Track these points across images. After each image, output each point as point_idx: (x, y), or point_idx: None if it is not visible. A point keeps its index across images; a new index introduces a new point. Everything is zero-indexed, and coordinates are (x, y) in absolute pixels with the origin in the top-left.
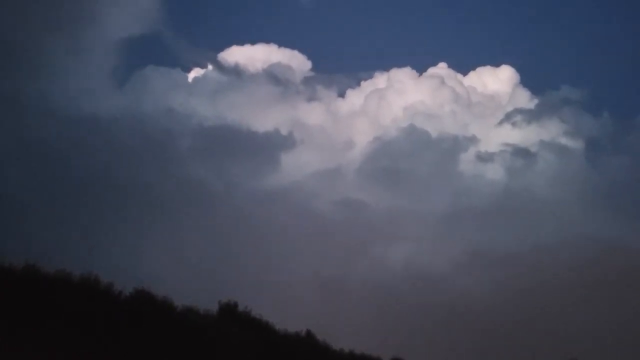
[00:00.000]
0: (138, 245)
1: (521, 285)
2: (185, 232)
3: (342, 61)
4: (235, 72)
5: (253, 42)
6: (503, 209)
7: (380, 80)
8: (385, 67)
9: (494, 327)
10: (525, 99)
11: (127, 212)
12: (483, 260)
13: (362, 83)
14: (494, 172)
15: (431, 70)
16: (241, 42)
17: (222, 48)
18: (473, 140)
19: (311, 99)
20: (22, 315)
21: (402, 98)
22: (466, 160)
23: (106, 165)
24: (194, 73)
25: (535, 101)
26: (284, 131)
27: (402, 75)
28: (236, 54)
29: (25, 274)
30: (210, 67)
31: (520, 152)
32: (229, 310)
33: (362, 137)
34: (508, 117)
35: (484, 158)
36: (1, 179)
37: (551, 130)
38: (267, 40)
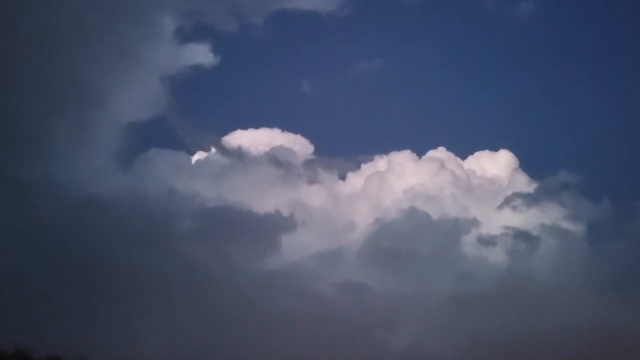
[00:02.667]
0: (135, 328)
1: None
2: (183, 314)
3: (343, 145)
4: (238, 155)
5: (256, 126)
6: (506, 293)
7: (380, 163)
8: (385, 150)
9: None
10: (524, 183)
11: (126, 294)
12: (486, 346)
13: (363, 166)
14: (496, 255)
15: (431, 154)
16: (245, 126)
17: (226, 132)
18: (474, 223)
19: (312, 181)
20: None
21: (402, 180)
22: (468, 243)
23: (107, 246)
24: (198, 156)
25: (534, 185)
26: (285, 213)
27: (402, 158)
28: (240, 138)
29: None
30: (213, 150)
31: (522, 236)
32: None
33: (363, 219)
34: (508, 201)
35: (486, 241)
36: (2, 259)
37: (551, 214)
38: (270, 125)
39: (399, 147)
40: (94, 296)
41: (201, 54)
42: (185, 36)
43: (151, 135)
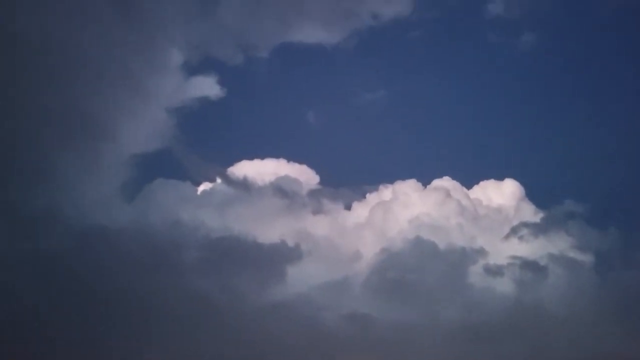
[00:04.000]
0: (142, 357)
1: None
2: (189, 344)
3: (348, 174)
4: (244, 186)
5: (262, 157)
6: (514, 324)
7: (385, 192)
8: (390, 180)
9: None
10: (530, 213)
11: (132, 323)
12: None
13: (368, 195)
14: (504, 285)
15: (436, 183)
16: (250, 157)
17: (231, 162)
18: (481, 252)
19: (318, 211)
20: None
21: (407, 210)
22: (475, 273)
23: (112, 276)
24: (203, 186)
25: (541, 215)
26: (290, 243)
27: (407, 188)
28: (245, 168)
29: None
30: (219, 180)
31: (530, 266)
32: None
33: (369, 249)
34: (515, 231)
35: (493, 271)
36: (12, 288)
37: (559, 244)
38: (275, 155)
39: (404, 177)
40: (100, 326)
41: (207, 86)
42: (191, 69)
43: (157, 166)
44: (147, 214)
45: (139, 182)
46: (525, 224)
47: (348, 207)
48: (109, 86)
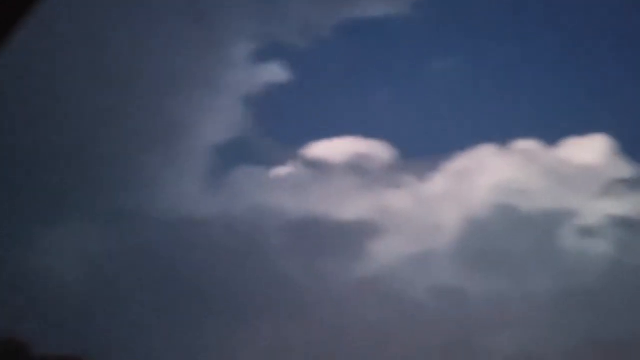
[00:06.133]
0: (236, 343)
1: None
2: (279, 327)
3: (424, 146)
4: (319, 166)
5: (335, 136)
6: (615, 287)
7: (463, 160)
8: (468, 147)
9: None
10: (625, 167)
11: (221, 310)
12: (600, 346)
13: (446, 165)
14: (600, 247)
15: (517, 145)
16: (323, 137)
17: (305, 144)
18: (572, 214)
19: (395, 185)
20: None
21: (488, 176)
22: (566, 237)
23: (200, 264)
24: (280, 170)
25: (637, 169)
26: (370, 219)
27: (486, 153)
28: (319, 149)
29: None
30: (294, 163)
31: (627, 224)
32: None
33: (451, 220)
34: (609, 188)
35: (586, 232)
36: (106, 281)
37: None
38: (347, 133)
39: (482, 142)
40: (192, 313)
41: (275, 72)
42: (258, 57)
43: (234, 155)
44: (229, 202)
45: (219, 172)
46: (620, 180)
47: (426, 179)
48: (183, 85)
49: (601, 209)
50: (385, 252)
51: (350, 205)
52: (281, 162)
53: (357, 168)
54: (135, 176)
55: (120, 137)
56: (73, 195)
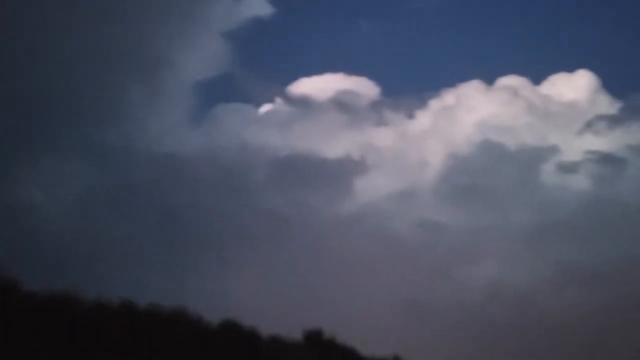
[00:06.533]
0: (221, 276)
1: (618, 300)
2: (265, 261)
3: (409, 83)
4: (304, 103)
5: (319, 73)
6: (591, 220)
7: (448, 97)
8: (453, 84)
9: (592, 347)
10: (606, 104)
11: (209, 244)
12: (574, 276)
13: (430, 102)
14: (580, 182)
15: (501, 82)
16: (308, 74)
17: (290, 81)
18: (553, 150)
19: (380, 122)
20: (119, 347)
21: (473, 113)
22: (548, 172)
23: (187, 199)
24: (264, 107)
25: (618, 105)
26: (355, 156)
27: (471, 90)
28: (304, 86)
29: (122, 308)
30: (279, 100)
31: (606, 159)
32: (313, 338)
33: (435, 156)
34: (589, 125)
35: (567, 168)
36: (92, 217)
37: (638, 134)
38: (333, 70)
39: (466, 78)
40: (180, 248)
41: (258, 6)
42: None
43: (218, 91)
44: (214, 139)
45: (203, 108)
46: (600, 117)
47: (411, 116)
48: (165, 19)
49: (581, 145)
50: (370, 188)
51: (336, 143)
52: (266, 99)
53: (342, 105)
54: (118, 110)
55: (102, 71)
56: (56, 129)
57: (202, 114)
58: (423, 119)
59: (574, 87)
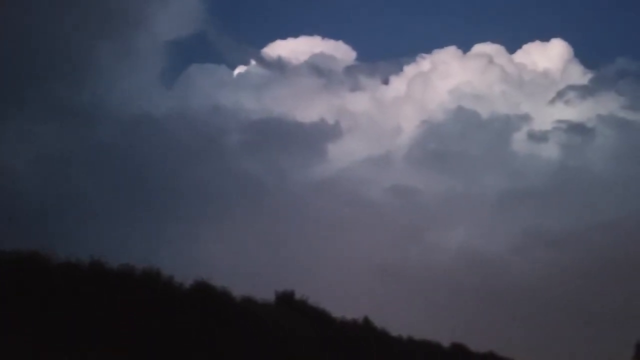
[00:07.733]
0: (194, 238)
1: (581, 264)
2: (239, 224)
3: (384, 47)
4: (279, 66)
5: (295, 36)
6: (560, 188)
7: (423, 63)
8: (428, 50)
9: (554, 309)
10: (578, 74)
11: (183, 207)
12: (540, 241)
13: (405, 68)
14: (549, 151)
15: (477, 49)
16: (283, 36)
17: (265, 43)
18: (525, 119)
19: (355, 87)
20: (88, 307)
21: (447, 80)
22: (519, 140)
23: (160, 162)
24: (239, 69)
25: (590, 75)
26: (330, 121)
27: (446, 56)
28: (279, 48)
29: (92, 269)
30: (254, 62)
31: (576, 129)
32: (285, 299)
33: (409, 122)
34: (561, 94)
35: (538, 137)
36: (64, 179)
37: (608, 105)
38: (308, 33)
39: (442, 45)
40: (153, 211)
41: None
42: None
43: (191, 52)
44: (187, 100)
45: (176, 68)
46: (572, 87)
47: (386, 82)
48: None
49: (552, 114)
50: (344, 153)
51: (311, 107)
52: (240, 60)
53: (317, 69)
54: (88, 70)
55: (70, 26)
56: (25, 90)
57: (175, 75)
58: (398, 85)
59: (548, 56)
